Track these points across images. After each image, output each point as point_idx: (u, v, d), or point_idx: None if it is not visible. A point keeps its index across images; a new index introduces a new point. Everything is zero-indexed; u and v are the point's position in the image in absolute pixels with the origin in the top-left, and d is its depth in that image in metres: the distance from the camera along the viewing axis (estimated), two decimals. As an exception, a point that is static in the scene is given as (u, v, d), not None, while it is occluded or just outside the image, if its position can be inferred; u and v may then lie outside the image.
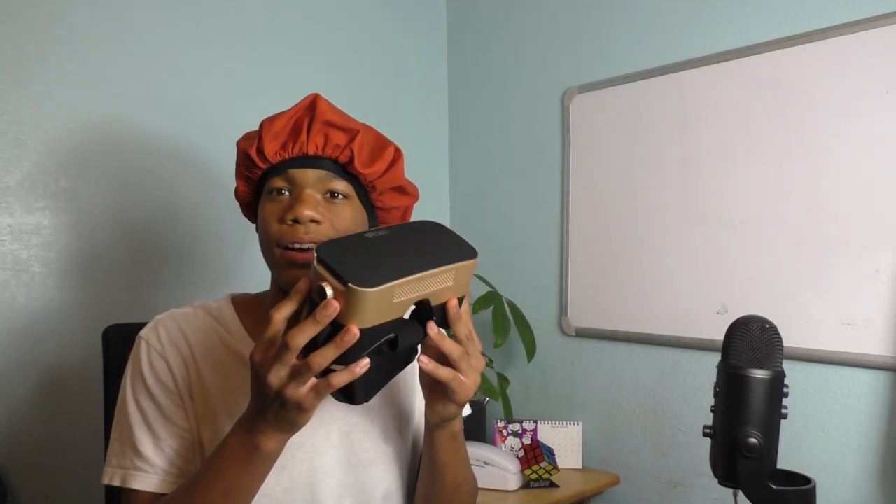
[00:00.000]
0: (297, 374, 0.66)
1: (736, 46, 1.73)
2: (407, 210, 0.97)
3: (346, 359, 0.67)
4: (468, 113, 2.40)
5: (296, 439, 0.80)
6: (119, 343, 1.10)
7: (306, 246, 0.83)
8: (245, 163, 0.89)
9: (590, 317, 2.04)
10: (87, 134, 1.63)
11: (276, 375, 0.67)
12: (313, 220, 0.83)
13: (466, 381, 0.76)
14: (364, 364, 0.67)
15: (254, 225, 0.95)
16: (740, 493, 0.80)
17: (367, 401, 0.77)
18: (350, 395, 0.73)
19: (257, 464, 0.74)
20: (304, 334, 0.65)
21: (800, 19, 1.63)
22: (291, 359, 0.66)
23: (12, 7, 1.52)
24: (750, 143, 1.70)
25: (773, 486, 0.77)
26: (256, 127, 0.91)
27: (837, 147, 1.57)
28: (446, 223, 2.44)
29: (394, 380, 0.83)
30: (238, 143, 0.91)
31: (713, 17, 1.78)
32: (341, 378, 0.66)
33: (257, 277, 0.99)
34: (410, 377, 0.96)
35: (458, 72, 2.43)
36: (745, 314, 0.82)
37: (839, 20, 1.57)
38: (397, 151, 0.92)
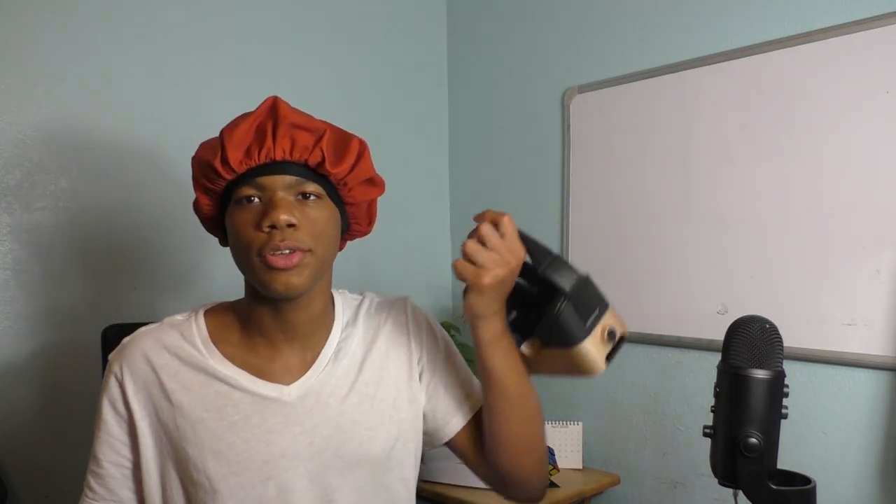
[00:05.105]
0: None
1: (736, 46, 1.73)
2: (372, 203, 0.94)
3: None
4: (468, 113, 2.40)
5: (276, 450, 0.84)
6: (119, 343, 1.10)
7: (286, 251, 0.80)
8: (207, 174, 0.84)
9: (590, 317, 2.04)
10: (87, 134, 1.63)
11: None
12: (290, 225, 0.80)
13: (466, 264, 0.80)
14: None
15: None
16: (740, 493, 0.80)
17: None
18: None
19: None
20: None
21: (800, 19, 1.63)
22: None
23: (13, 8, 1.53)
24: (750, 143, 1.70)
25: (774, 486, 0.77)
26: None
27: (838, 147, 1.57)
28: (446, 223, 2.45)
29: (378, 375, 0.91)
30: (195, 155, 0.86)
31: (714, 17, 1.78)
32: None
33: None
34: (395, 371, 0.93)
35: (458, 72, 2.43)
36: (745, 314, 0.82)
37: (839, 20, 1.57)
38: (362, 144, 0.89)
